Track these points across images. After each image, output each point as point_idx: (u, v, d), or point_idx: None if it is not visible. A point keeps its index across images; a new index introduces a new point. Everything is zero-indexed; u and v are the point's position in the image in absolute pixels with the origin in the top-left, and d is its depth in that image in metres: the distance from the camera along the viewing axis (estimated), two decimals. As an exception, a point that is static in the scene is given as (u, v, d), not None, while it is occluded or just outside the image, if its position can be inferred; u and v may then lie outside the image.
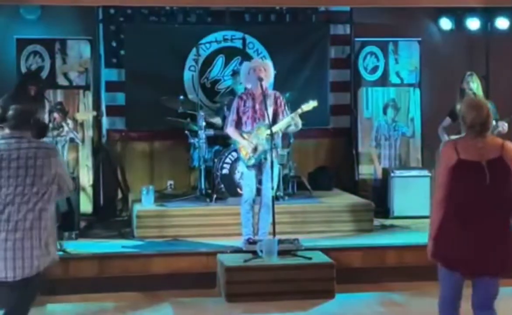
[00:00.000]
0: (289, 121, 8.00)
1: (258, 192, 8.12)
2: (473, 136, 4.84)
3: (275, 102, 8.03)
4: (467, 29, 10.89)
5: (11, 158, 4.51)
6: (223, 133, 9.33)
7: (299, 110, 8.04)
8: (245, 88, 8.37)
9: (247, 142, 8.00)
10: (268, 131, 7.85)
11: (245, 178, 8.21)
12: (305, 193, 9.94)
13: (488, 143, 4.83)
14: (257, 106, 8.04)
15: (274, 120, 7.92)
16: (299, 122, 8.11)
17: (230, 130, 8.22)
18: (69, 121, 8.38)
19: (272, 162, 7.78)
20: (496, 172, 4.75)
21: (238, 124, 8.13)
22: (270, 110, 7.93)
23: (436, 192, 4.88)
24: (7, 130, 4.65)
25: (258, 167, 8.04)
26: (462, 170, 4.76)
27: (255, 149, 7.97)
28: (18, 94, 8.29)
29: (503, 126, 8.50)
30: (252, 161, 8.01)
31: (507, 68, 10.95)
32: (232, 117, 8.17)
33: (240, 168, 8.62)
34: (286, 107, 8.13)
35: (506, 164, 4.77)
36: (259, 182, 8.12)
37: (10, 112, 4.68)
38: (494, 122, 8.51)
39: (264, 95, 7.93)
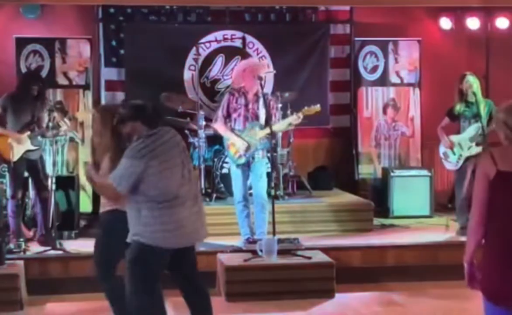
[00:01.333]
0: (291, 122, 7.99)
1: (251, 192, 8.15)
2: (508, 144, 4.14)
3: (268, 104, 7.98)
4: (467, 28, 10.90)
5: (169, 146, 5.28)
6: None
7: (301, 114, 8.00)
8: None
9: (241, 140, 7.96)
10: (263, 132, 7.86)
11: (233, 177, 8.17)
12: (305, 193, 9.94)
13: None
14: (250, 106, 8.01)
15: (266, 122, 7.90)
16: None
17: (219, 126, 8.15)
18: (66, 120, 8.38)
19: (272, 162, 7.80)
20: None
21: (226, 121, 8.09)
22: (263, 111, 7.91)
23: (473, 213, 4.16)
24: (141, 125, 5.30)
25: (247, 166, 8.03)
26: (501, 183, 4.05)
27: (248, 148, 7.94)
28: (20, 94, 8.28)
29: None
30: (243, 160, 7.99)
31: (507, 68, 10.95)
32: (221, 112, 8.10)
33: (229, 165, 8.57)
34: (278, 110, 8.14)
35: None
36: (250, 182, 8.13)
37: (148, 112, 5.42)
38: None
39: (261, 95, 7.92)
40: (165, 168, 5.18)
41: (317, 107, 8.07)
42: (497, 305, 4.05)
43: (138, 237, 5.21)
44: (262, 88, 7.93)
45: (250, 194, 8.15)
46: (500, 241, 4.05)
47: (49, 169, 8.51)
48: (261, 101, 7.93)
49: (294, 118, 7.97)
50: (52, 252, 7.92)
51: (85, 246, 8.14)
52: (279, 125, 8.03)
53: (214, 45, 10.64)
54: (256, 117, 7.99)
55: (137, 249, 5.22)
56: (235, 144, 7.99)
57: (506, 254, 4.03)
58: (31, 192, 8.70)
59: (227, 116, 8.07)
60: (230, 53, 10.65)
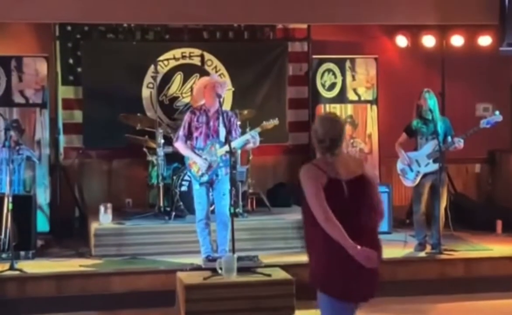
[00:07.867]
0: (248, 138, 8.00)
1: (213, 209, 8.12)
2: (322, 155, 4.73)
3: (228, 121, 8.00)
4: (423, 46, 11.06)
5: None
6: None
7: (259, 128, 8.07)
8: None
9: (202, 160, 7.96)
10: (223, 149, 7.86)
11: (197, 196, 8.11)
12: (264, 210, 9.94)
13: None
14: (211, 123, 8.02)
15: (226, 138, 7.88)
16: (258, 140, 8.10)
17: (179, 145, 8.11)
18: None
19: (230, 179, 7.80)
20: None
21: (188, 140, 8.08)
22: (224, 128, 7.90)
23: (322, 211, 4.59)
24: None
25: (210, 184, 8.02)
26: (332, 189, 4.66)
27: (210, 167, 7.95)
28: None
29: (459, 143, 8.60)
30: (206, 178, 7.98)
31: (462, 85, 11.12)
32: (182, 132, 8.08)
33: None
34: (238, 126, 8.15)
35: None
36: (212, 199, 8.11)
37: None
38: (449, 139, 8.64)
39: (221, 113, 7.92)
40: None
41: (275, 121, 8.13)
42: (340, 301, 4.51)
43: None
44: (221, 105, 7.93)
45: (212, 212, 8.13)
46: (338, 242, 4.40)
47: (5, 188, 8.40)
48: (221, 118, 7.92)
49: (252, 134, 7.99)
50: (8, 273, 7.79)
51: (42, 266, 8.06)
52: (238, 141, 8.03)
53: (173, 63, 10.62)
54: (217, 134, 7.99)
55: None
56: (196, 163, 7.98)
57: (346, 254, 4.41)
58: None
59: (188, 135, 8.05)
60: (189, 70, 10.64)
